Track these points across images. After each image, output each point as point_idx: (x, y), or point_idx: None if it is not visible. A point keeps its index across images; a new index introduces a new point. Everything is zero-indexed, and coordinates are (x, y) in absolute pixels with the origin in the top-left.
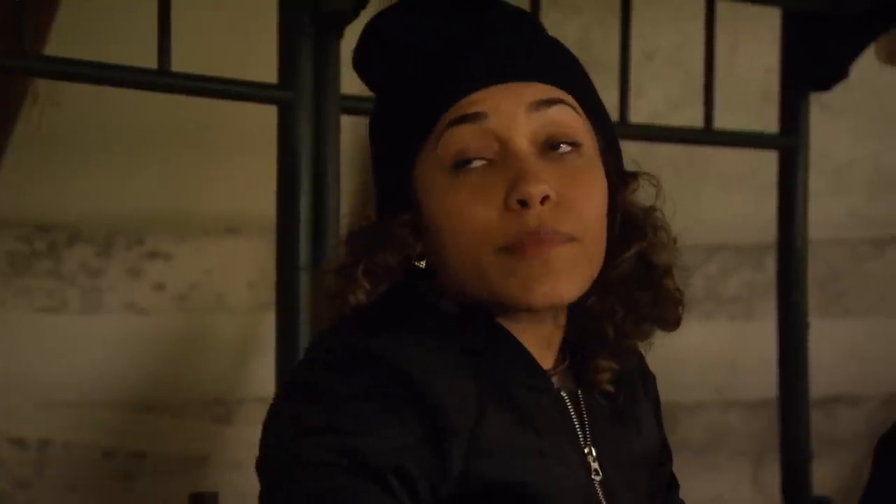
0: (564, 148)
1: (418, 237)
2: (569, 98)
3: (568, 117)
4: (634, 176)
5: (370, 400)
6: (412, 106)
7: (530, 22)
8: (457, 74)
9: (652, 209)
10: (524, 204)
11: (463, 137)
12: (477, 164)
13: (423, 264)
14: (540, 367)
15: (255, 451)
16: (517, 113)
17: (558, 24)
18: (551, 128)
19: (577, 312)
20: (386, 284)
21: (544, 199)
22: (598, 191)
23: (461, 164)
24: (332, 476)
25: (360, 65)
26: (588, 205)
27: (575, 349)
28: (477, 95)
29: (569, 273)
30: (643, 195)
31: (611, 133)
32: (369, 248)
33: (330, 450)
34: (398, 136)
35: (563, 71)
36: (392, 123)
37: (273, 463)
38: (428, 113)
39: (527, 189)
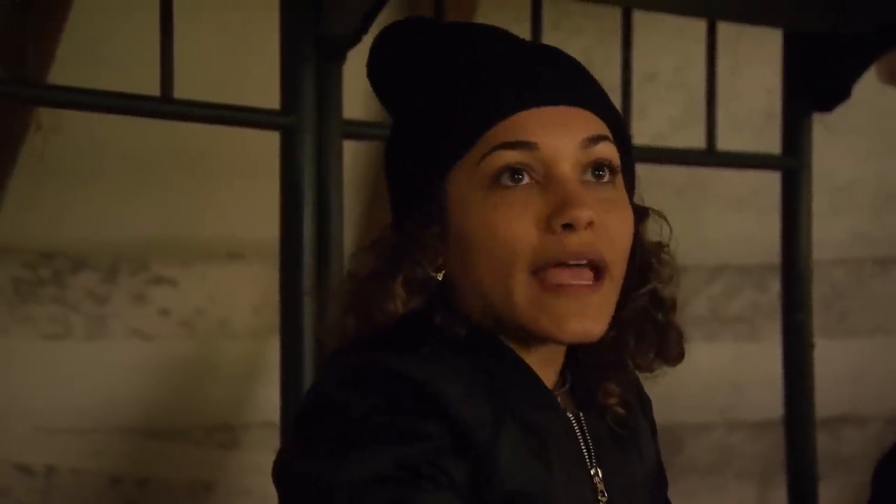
0: (603, 177)
1: (443, 250)
2: (608, 130)
3: (609, 150)
4: (647, 212)
5: (396, 413)
6: (452, 118)
7: (570, 56)
8: (507, 90)
9: (661, 245)
10: (569, 227)
11: (510, 159)
12: (519, 184)
13: (440, 276)
14: (547, 389)
15: (262, 476)
16: (567, 147)
17: (559, 45)
18: (594, 157)
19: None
20: (421, 297)
21: (589, 225)
22: (630, 222)
23: (504, 179)
24: (385, 488)
25: (383, 72)
26: (624, 234)
27: (576, 373)
28: (525, 118)
29: (600, 313)
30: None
31: (632, 166)
32: (401, 259)
33: (376, 463)
34: (432, 148)
35: (606, 103)
36: (426, 134)
37: (314, 490)
38: (471, 128)
39: (575, 213)
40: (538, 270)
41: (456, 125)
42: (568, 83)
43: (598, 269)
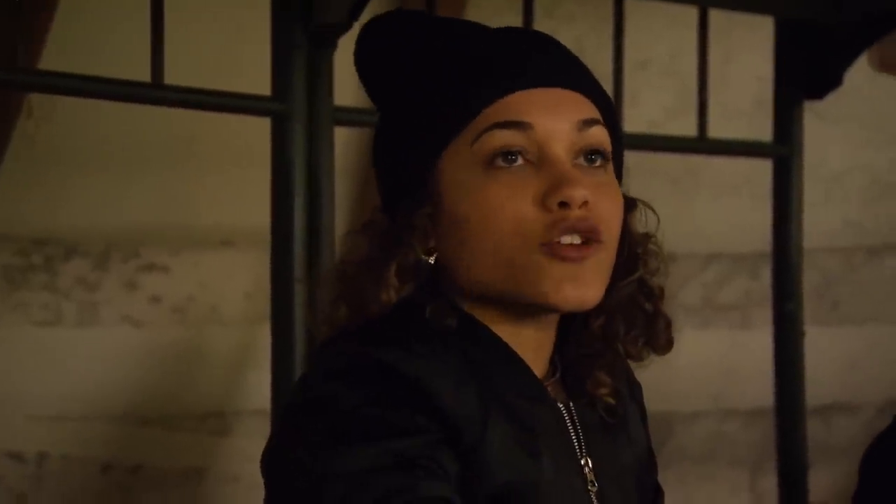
0: (596, 161)
1: (434, 231)
2: (600, 115)
3: (602, 134)
4: (635, 203)
5: (387, 406)
6: (447, 98)
7: (561, 42)
8: (502, 71)
9: (648, 235)
10: (564, 205)
11: (505, 139)
12: (514, 163)
13: (432, 259)
14: (537, 379)
15: (253, 464)
16: (561, 129)
17: (552, 33)
18: (588, 141)
19: (576, 330)
20: (413, 284)
21: (583, 203)
22: (620, 207)
23: (498, 160)
24: (381, 478)
25: (372, 61)
26: (614, 217)
27: (566, 361)
28: (520, 98)
29: (596, 278)
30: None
31: (621, 154)
32: (394, 245)
33: (370, 455)
34: (426, 129)
35: (598, 89)
36: (419, 114)
37: (305, 481)
38: (466, 107)
39: (570, 191)
40: (546, 244)
41: (450, 105)
42: (561, 66)
43: (592, 243)
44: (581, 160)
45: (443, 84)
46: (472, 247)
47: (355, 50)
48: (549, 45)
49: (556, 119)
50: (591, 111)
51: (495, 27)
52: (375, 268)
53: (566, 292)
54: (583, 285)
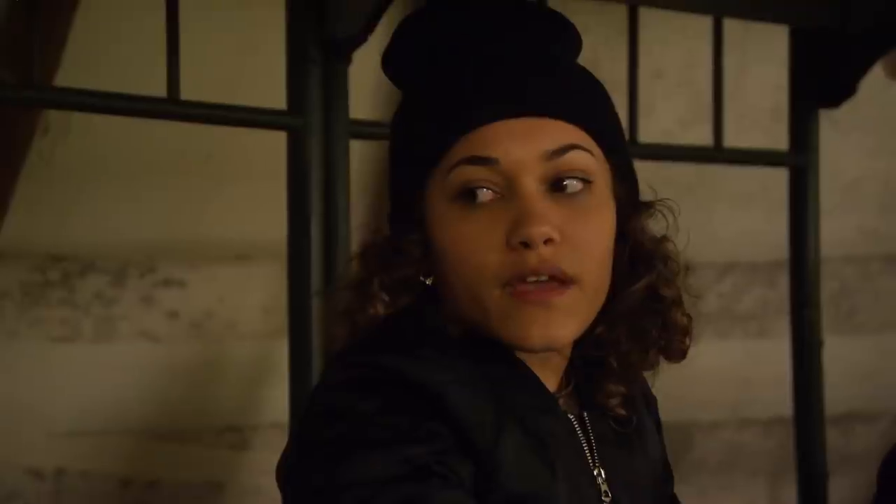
0: (574, 187)
1: (427, 255)
2: (582, 137)
3: (580, 158)
4: (648, 205)
5: (400, 413)
6: (426, 129)
7: (557, 44)
8: (473, 103)
9: (664, 239)
10: (526, 245)
11: (472, 175)
12: (483, 199)
13: (429, 281)
14: (548, 391)
15: (271, 477)
16: (528, 160)
17: None
18: (562, 168)
19: (584, 340)
20: (406, 297)
21: (547, 241)
22: (604, 229)
23: (467, 198)
24: (397, 487)
25: (387, 69)
26: (593, 244)
27: (579, 373)
28: (488, 131)
29: (566, 319)
30: (658, 221)
31: (625, 162)
32: (383, 264)
33: (385, 463)
34: (411, 156)
35: (578, 104)
36: (407, 142)
37: (319, 491)
38: (439, 140)
39: (529, 231)
40: (506, 285)
41: (428, 138)
42: (540, 91)
43: (562, 282)
44: (556, 187)
45: (427, 113)
46: (452, 281)
47: (385, 50)
48: (537, 63)
49: (522, 150)
50: (566, 137)
51: (503, 27)
52: (362, 285)
53: (533, 334)
54: (551, 327)
